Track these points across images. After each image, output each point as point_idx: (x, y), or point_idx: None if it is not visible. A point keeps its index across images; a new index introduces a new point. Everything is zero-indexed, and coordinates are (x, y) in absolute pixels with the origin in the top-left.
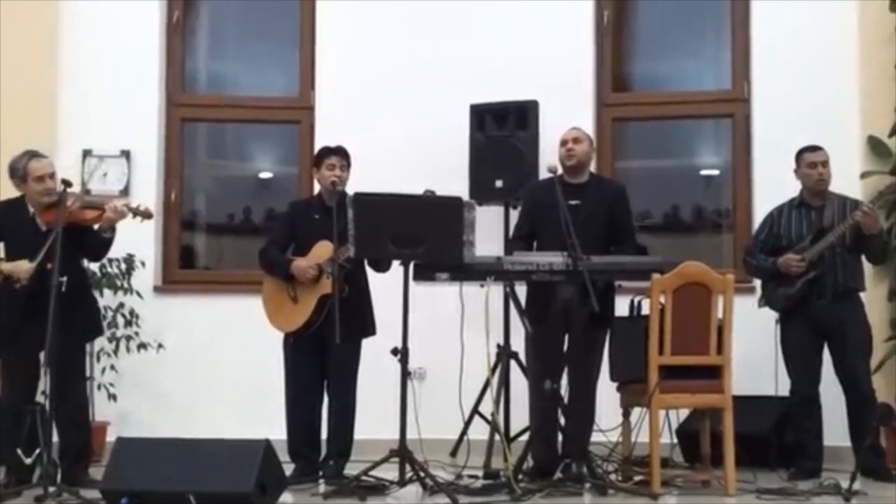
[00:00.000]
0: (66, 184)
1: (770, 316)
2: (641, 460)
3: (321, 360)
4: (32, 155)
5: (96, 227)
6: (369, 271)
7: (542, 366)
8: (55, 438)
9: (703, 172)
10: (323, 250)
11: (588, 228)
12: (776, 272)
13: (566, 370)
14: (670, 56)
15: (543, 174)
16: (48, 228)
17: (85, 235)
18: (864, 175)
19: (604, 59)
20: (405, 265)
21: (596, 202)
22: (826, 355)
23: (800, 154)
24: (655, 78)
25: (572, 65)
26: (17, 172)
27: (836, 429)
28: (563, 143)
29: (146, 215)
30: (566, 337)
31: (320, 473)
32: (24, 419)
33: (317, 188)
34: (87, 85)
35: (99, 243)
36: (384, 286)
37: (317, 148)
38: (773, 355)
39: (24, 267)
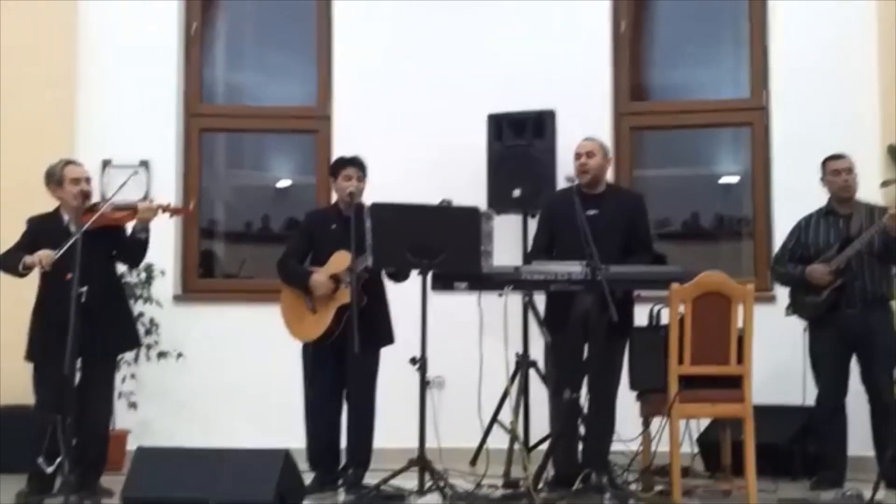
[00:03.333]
0: (85, 194)
1: (792, 324)
2: (662, 470)
3: (340, 370)
4: (69, 161)
5: (129, 229)
6: (387, 281)
7: (561, 375)
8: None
9: (722, 181)
10: (341, 260)
11: (606, 238)
12: (804, 281)
13: (586, 380)
14: (688, 65)
15: (561, 183)
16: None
17: (118, 239)
18: (884, 184)
19: (621, 68)
20: (423, 275)
21: (613, 212)
22: (853, 364)
23: (824, 163)
24: (673, 87)
25: (590, 74)
26: (54, 177)
27: (859, 438)
28: (577, 156)
29: (176, 211)
30: (585, 346)
31: (340, 482)
32: (47, 428)
33: (333, 198)
34: (106, 96)
35: (134, 245)
36: (403, 295)
37: (334, 157)
38: (795, 364)
39: (47, 253)
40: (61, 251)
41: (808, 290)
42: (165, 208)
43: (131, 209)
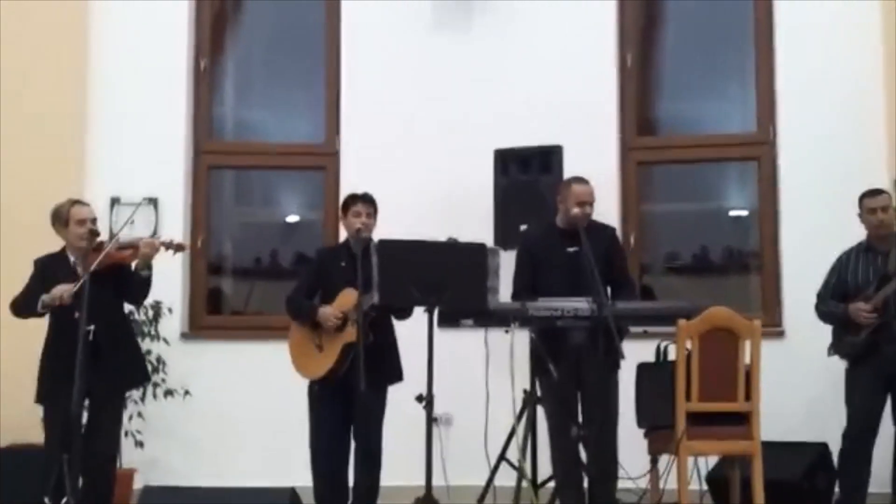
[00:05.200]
0: (94, 233)
1: (802, 359)
2: None
3: (346, 408)
4: (76, 201)
5: (133, 267)
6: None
7: (561, 413)
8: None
9: (730, 215)
10: (348, 298)
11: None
12: (847, 319)
13: (584, 417)
14: (694, 99)
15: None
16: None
17: (123, 278)
18: None
19: (627, 102)
20: (430, 311)
21: (592, 247)
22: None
23: (861, 199)
24: (680, 121)
25: (596, 108)
26: (60, 217)
27: (878, 476)
28: (582, 204)
29: (178, 248)
30: (579, 383)
31: None
32: (54, 467)
33: (343, 235)
34: (115, 133)
35: (137, 283)
36: (409, 332)
37: (342, 193)
38: (805, 400)
39: (65, 287)
40: (78, 285)
41: (847, 330)
42: (168, 245)
43: (133, 247)
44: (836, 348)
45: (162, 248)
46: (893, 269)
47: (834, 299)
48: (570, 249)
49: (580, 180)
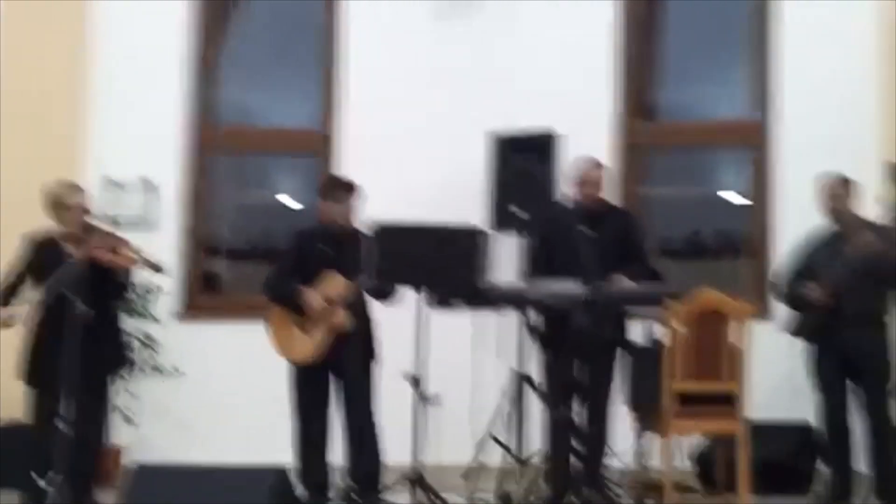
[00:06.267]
0: (87, 213)
1: (792, 341)
2: (655, 486)
3: (328, 389)
4: (69, 186)
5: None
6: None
7: (556, 392)
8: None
9: (723, 200)
10: (334, 282)
11: (603, 257)
12: (802, 299)
13: (580, 396)
14: (691, 84)
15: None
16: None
17: (102, 275)
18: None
19: (624, 87)
20: (423, 293)
21: (609, 231)
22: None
23: None
24: (676, 106)
25: (593, 94)
26: (51, 202)
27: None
28: (584, 183)
29: (156, 269)
30: (579, 363)
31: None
32: (42, 445)
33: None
34: (112, 115)
35: (113, 285)
36: (398, 312)
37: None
38: (794, 381)
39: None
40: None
41: (803, 311)
42: (147, 263)
43: (112, 252)
44: (791, 326)
45: (140, 264)
46: (849, 253)
47: (799, 281)
48: (581, 230)
49: (586, 161)
